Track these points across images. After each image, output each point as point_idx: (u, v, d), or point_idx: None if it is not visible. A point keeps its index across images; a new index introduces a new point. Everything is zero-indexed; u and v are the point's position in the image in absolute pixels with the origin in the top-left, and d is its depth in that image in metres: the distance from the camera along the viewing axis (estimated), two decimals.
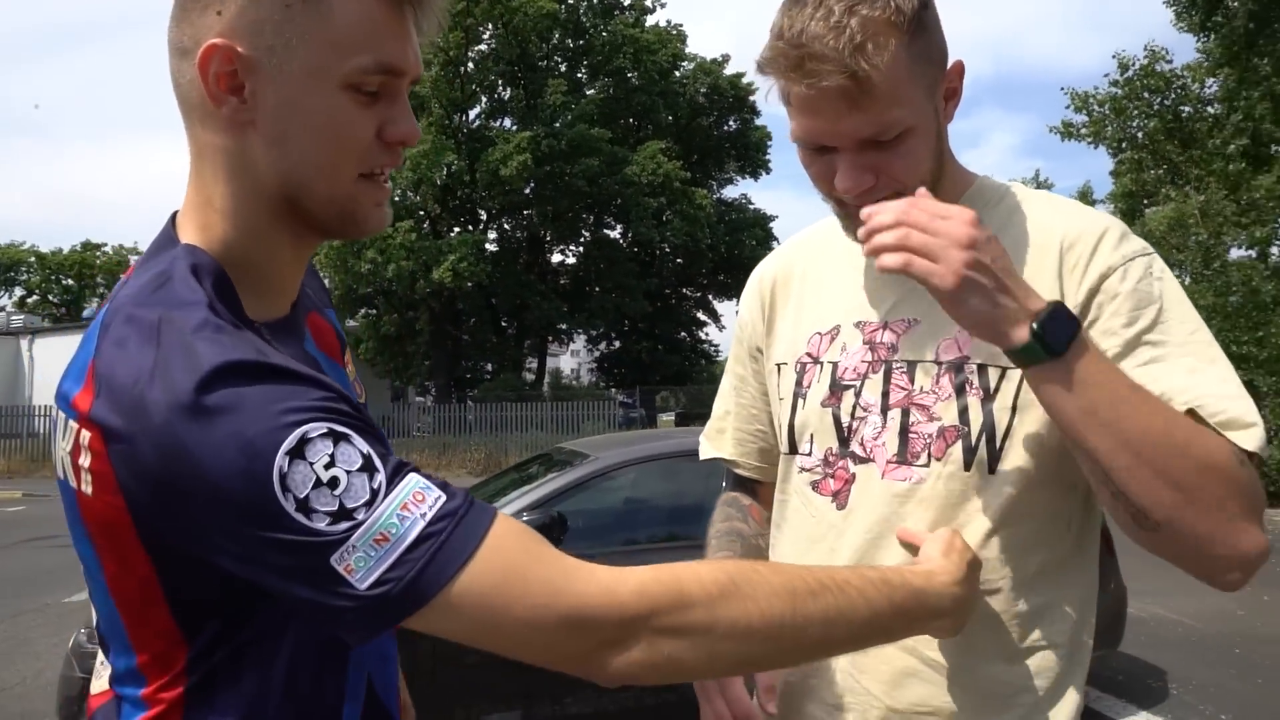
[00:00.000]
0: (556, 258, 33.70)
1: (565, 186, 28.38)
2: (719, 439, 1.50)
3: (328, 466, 0.75)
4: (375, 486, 0.76)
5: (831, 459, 1.24)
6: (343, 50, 0.85)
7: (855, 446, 1.22)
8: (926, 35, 1.10)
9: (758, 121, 34.97)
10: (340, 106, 0.86)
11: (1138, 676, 5.30)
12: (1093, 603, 1.21)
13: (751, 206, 35.06)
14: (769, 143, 34.90)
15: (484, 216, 31.44)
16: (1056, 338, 0.98)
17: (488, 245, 29.97)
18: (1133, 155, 16.41)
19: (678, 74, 33.03)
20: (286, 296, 0.96)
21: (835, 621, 0.91)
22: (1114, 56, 16.94)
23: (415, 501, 0.77)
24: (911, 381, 1.19)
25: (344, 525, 0.74)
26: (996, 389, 1.14)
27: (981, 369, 1.15)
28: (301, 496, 0.73)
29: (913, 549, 1.14)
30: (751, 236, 32.75)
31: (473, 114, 30.83)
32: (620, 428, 23.94)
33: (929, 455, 1.16)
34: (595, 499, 4.32)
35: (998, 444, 1.13)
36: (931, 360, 1.18)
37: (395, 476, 0.78)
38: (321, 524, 0.74)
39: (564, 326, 32.79)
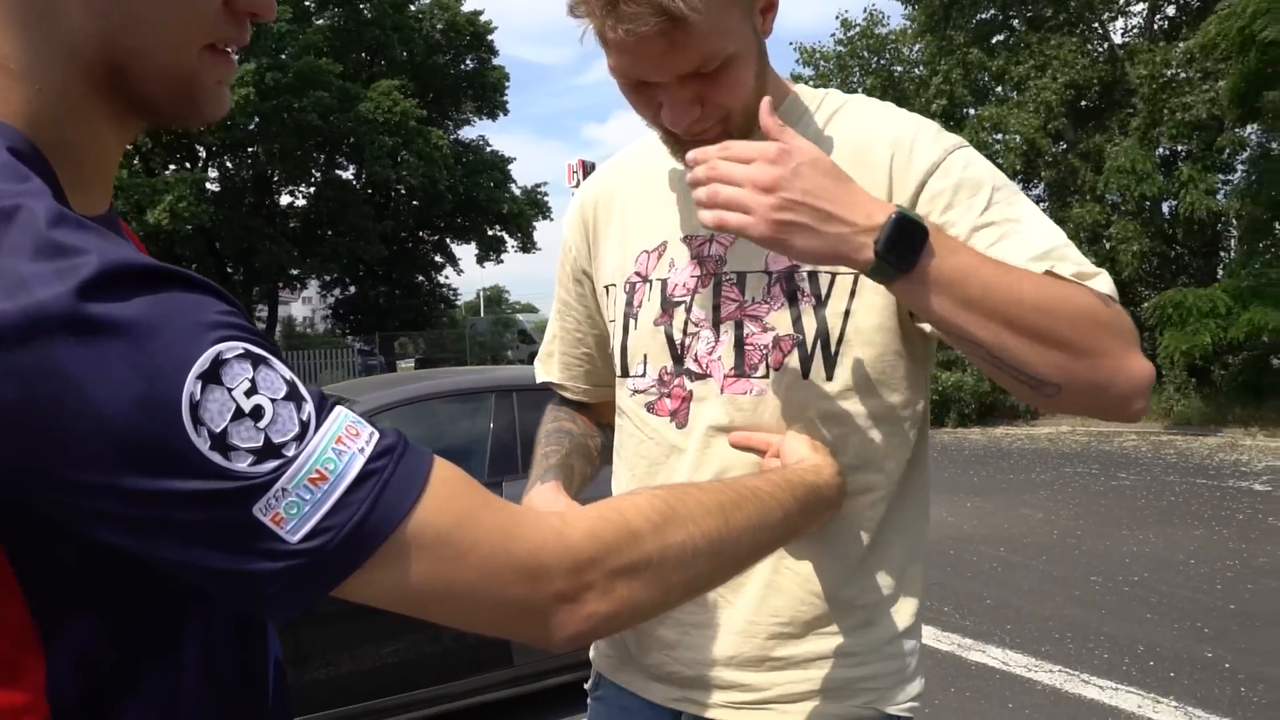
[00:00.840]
0: (286, 199, 31.71)
1: (294, 123, 26.60)
2: (548, 363, 1.48)
3: (249, 393, 0.60)
4: (304, 418, 0.62)
5: (666, 378, 1.22)
6: None
7: (690, 363, 1.20)
8: None
9: (495, 61, 34.34)
10: None
11: None
12: (927, 505, 1.25)
13: (489, 148, 34.53)
14: (506, 84, 34.34)
15: (203, 154, 29.06)
16: (904, 252, 0.93)
17: (209, 185, 27.67)
18: None
19: (413, 8, 31.74)
20: (107, 190, 0.77)
21: (759, 529, 0.90)
22: (838, 17, 18.12)
23: (350, 436, 0.64)
24: (742, 293, 1.17)
25: (271, 465, 0.60)
26: (828, 294, 1.13)
27: (812, 275, 1.14)
28: (218, 430, 0.58)
29: (753, 452, 1.15)
30: (490, 179, 32.30)
31: None
32: (360, 375, 23.19)
33: (766, 366, 1.15)
34: None
35: (833, 350, 1.13)
36: (761, 270, 1.16)
37: (324, 407, 0.64)
38: (242, 464, 0.59)
39: (295, 271, 30.99)
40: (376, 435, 0.66)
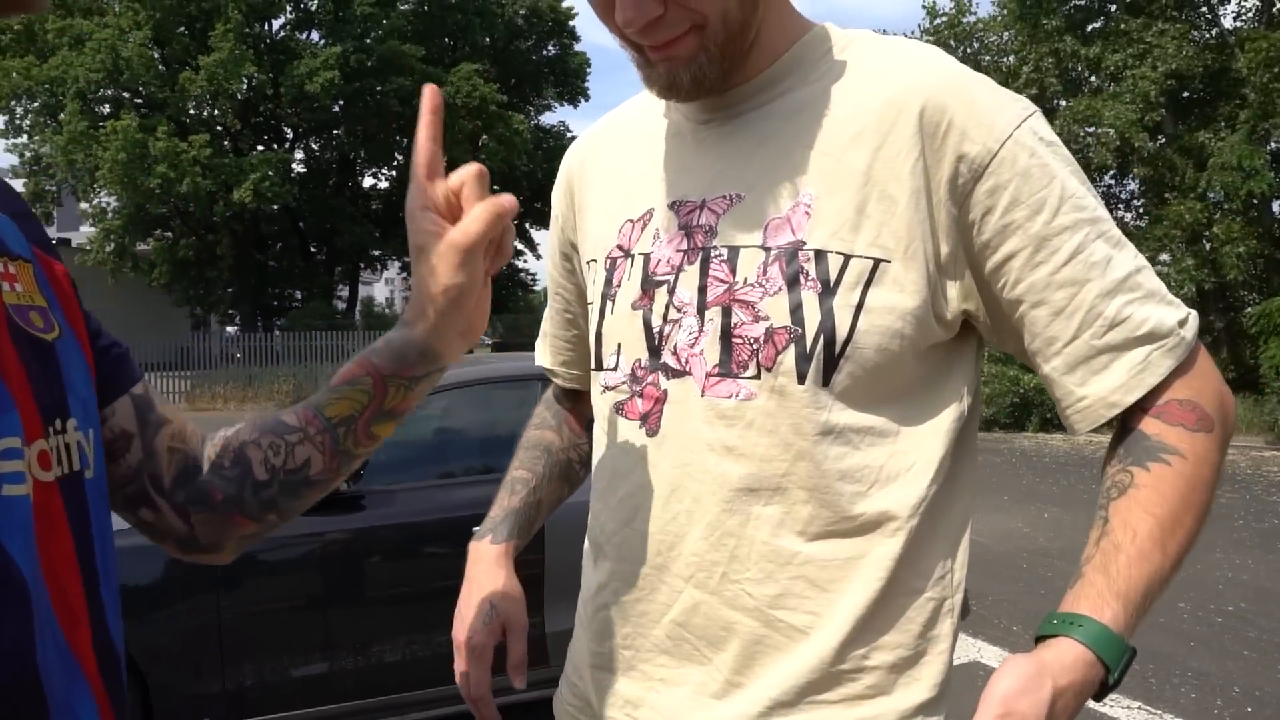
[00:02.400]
0: (368, 181, 32.37)
1: (377, 106, 27.07)
2: (542, 345, 1.34)
3: None
4: None
5: (640, 373, 1.01)
6: None
7: (667, 357, 0.99)
8: None
9: (577, 47, 34.48)
10: None
11: None
12: (963, 541, 1.00)
13: (570, 134, 34.63)
14: (588, 70, 34.42)
15: (289, 135, 29.68)
16: (1125, 663, 0.85)
17: (294, 165, 28.36)
18: None
19: None
20: None
21: None
22: (924, 6, 17.58)
23: None
24: (733, 272, 0.95)
25: None
26: (837, 281, 0.91)
27: (820, 255, 0.92)
28: None
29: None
30: None
31: (276, 24, 28.76)
32: None
33: (757, 364, 0.93)
34: (402, 430, 4.04)
35: (837, 349, 0.91)
36: (757, 245, 0.94)
37: None
38: None
39: (377, 253, 31.64)
40: None
